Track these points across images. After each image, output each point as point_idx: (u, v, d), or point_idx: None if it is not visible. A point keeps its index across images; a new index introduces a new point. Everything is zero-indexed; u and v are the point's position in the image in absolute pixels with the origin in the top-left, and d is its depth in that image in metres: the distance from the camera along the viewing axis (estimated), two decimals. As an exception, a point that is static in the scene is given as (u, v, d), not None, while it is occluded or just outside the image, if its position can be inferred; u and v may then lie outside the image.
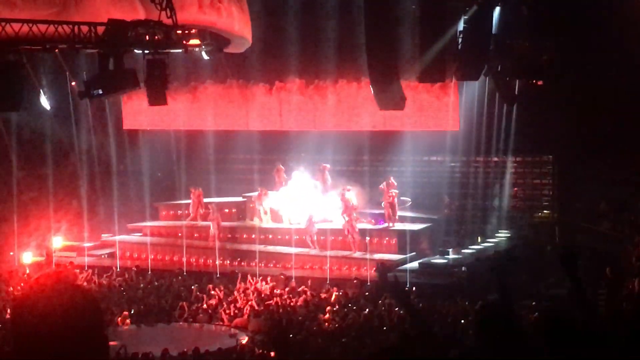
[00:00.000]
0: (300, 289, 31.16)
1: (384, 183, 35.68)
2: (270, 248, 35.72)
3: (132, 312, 29.92)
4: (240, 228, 37.40)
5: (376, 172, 38.08)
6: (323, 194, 36.60)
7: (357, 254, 34.10)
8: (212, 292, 31.23)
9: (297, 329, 26.21)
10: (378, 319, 26.75)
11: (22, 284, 31.65)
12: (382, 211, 35.79)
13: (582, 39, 31.86)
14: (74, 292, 3.30)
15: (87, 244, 37.12)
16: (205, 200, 38.07)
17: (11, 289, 31.67)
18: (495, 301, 7.62)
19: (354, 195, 35.34)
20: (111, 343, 19.50)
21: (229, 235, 36.84)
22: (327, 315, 27.67)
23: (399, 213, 35.87)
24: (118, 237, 37.53)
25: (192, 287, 32.17)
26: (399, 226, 35.30)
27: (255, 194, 37.55)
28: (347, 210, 34.89)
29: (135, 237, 38.43)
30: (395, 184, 35.71)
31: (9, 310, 28.13)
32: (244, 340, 26.65)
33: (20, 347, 3.23)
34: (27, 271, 34.60)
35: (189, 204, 38.23)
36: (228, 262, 35.49)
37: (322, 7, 36.43)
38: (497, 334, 6.70)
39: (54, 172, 38.43)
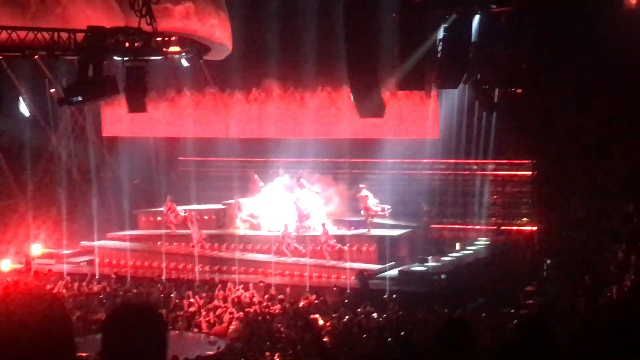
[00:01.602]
0: (279, 297, 31.17)
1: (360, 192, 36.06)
2: (250, 256, 35.70)
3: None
4: (220, 236, 37.34)
5: (356, 180, 38.06)
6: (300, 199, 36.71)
7: (332, 262, 34.22)
8: (192, 299, 31.17)
9: (276, 336, 26.20)
10: (357, 327, 26.74)
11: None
12: (360, 218, 36.10)
13: (561, 47, 31.99)
14: (43, 302, 3.29)
15: (66, 251, 36.93)
16: (185, 207, 37.90)
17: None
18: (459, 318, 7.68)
19: (306, 203, 35.73)
20: (81, 354, 19.44)
21: (209, 243, 36.75)
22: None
23: (378, 220, 36.11)
24: (97, 243, 37.34)
25: (171, 294, 32.11)
26: (378, 232, 35.46)
27: (233, 200, 37.66)
28: (300, 219, 35.31)
29: (114, 243, 38.21)
30: (363, 192, 35.94)
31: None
32: (223, 347, 26.57)
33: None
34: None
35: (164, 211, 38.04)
36: (208, 269, 35.43)
37: (302, 14, 36.42)
38: (457, 351, 6.75)
39: (32, 179, 38.27)
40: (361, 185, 36.31)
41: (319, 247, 34.70)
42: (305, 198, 36.34)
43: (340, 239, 34.77)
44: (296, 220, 35.61)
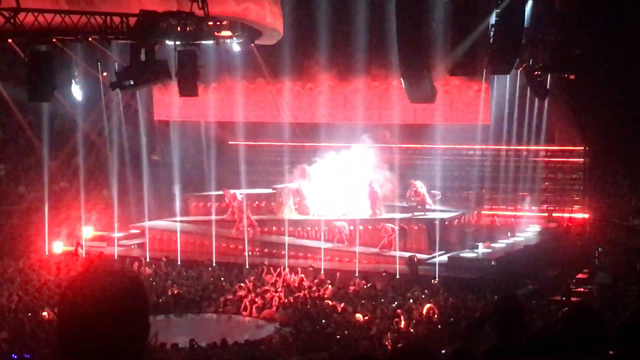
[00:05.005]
0: (328, 282, 31.17)
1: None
2: (299, 241, 35.66)
3: (160, 301, 30.02)
4: (270, 220, 37.32)
5: (406, 166, 37.93)
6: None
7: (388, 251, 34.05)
8: (241, 283, 31.26)
9: (325, 321, 26.22)
10: (406, 313, 26.67)
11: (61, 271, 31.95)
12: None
13: (614, 33, 31.66)
14: (124, 280, 3.28)
15: (117, 234, 37.10)
16: (233, 191, 37.90)
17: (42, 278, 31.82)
18: (511, 298, 7.58)
19: (379, 186, 35.49)
20: None
21: (259, 228, 36.75)
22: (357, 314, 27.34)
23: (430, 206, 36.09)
24: (148, 224, 37.41)
25: (221, 278, 32.23)
26: (428, 215, 35.35)
27: (283, 185, 37.59)
28: (374, 203, 35.07)
29: (164, 224, 38.27)
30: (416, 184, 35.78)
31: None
32: (272, 331, 26.64)
33: (63, 329, 3.21)
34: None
35: (220, 198, 37.84)
36: (257, 253, 35.45)
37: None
38: (512, 329, 6.69)
39: (84, 162, 38.53)
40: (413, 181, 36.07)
41: (370, 227, 34.58)
42: (377, 181, 36.00)
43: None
44: (370, 205, 35.39)
